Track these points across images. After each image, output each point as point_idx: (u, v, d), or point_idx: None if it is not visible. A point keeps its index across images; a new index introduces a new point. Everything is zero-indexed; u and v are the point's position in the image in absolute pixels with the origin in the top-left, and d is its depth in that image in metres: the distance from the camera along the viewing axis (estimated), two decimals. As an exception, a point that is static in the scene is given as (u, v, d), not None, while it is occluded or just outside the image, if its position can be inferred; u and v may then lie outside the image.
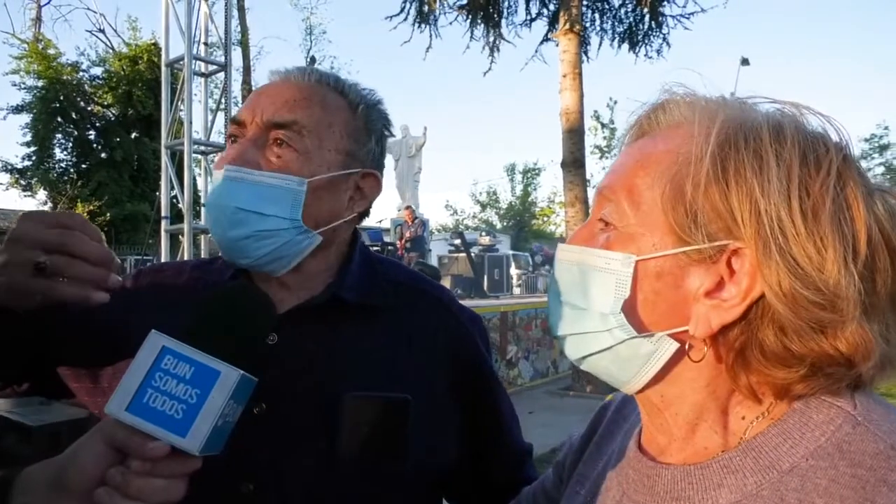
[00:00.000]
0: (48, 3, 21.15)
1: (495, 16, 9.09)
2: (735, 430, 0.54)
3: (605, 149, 29.13)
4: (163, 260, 7.18)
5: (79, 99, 19.14)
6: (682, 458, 0.56)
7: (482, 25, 9.12)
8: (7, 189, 19.12)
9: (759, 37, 58.99)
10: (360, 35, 59.64)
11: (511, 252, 17.38)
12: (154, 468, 0.53)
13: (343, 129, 0.85)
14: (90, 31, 20.97)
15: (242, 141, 0.82)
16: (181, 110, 6.93)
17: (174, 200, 7.38)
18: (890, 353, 0.50)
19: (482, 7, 8.89)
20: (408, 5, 8.86)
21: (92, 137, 19.55)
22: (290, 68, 0.88)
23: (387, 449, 0.81)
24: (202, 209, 7.50)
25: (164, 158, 7.15)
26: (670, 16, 9.06)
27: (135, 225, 18.38)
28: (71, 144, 19.36)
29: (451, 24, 9.13)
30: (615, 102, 28.68)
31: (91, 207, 17.12)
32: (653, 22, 9.14)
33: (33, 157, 18.75)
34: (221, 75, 7.39)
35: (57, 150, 19.35)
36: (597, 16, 9.26)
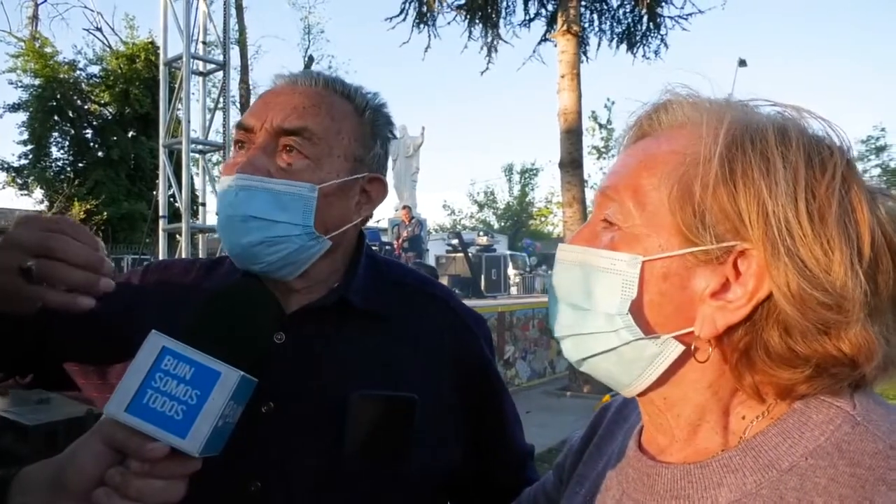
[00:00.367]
0: (45, 1, 21.11)
1: (493, 16, 9.09)
2: (735, 430, 0.54)
3: (603, 149, 29.20)
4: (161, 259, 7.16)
5: (75, 97, 19.11)
6: (682, 458, 0.56)
7: (480, 25, 9.12)
8: (3, 188, 19.07)
9: (756, 38, 59.21)
10: (357, 34, 59.63)
11: (508, 252, 17.38)
12: (153, 469, 0.53)
13: (351, 134, 0.85)
14: (87, 30, 20.99)
15: (252, 148, 0.82)
16: (179, 109, 6.92)
17: (171, 199, 7.36)
18: (891, 354, 0.50)
19: (480, 7, 8.89)
20: (407, 6, 8.86)
21: (89, 136, 19.52)
22: (296, 73, 0.88)
23: (392, 448, 0.82)
24: (200, 208, 7.51)
25: (162, 157, 7.14)
26: (668, 17, 9.08)
27: (132, 224, 18.33)
28: (68, 143, 19.32)
29: (449, 24, 9.14)
30: (613, 103, 28.78)
31: (88, 206, 17.07)
32: (651, 23, 9.16)
33: (30, 156, 18.72)
34: (219, 74, 7.38)
35: (53, 149, 19.33)
36: (595, 16, 9.27)
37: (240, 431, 0.58)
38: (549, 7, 9.04)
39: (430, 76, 67.62)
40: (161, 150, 7.15)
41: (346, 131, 0.85)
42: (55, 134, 19.09)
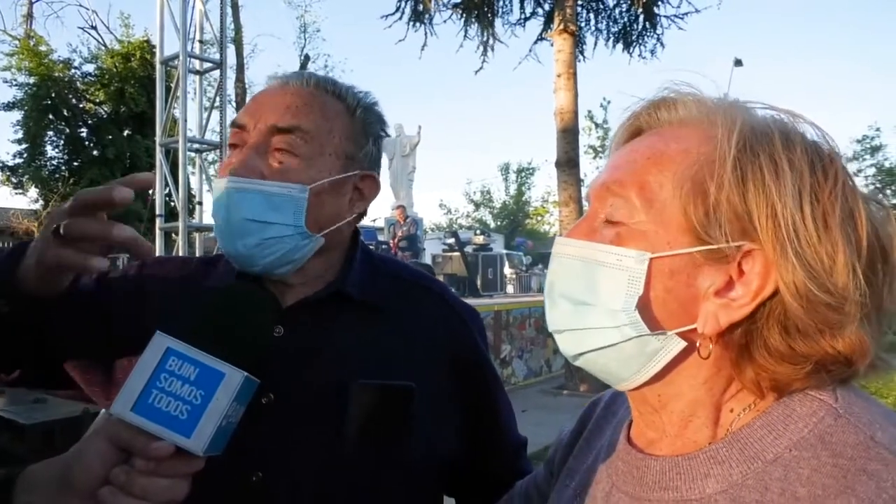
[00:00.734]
0: (40, -1, 21.00)
1: (489, 15, 9.10)
2: (723, 423, 0.55)
3: (599, 148, 29.19)
4: (158, 258, 7.14)
5: (71, 96, 19.01)
6: (671, 450, 0.57)
7: (476, 24, 9.13)
8: (-2, 186, 18.98)
9: (753, 37, 59.32)
10: (354, 33, 59.57)
11: (505, 251, 17.38)
12: (158, 468, 0.54)
13: (342, 133, 0.87)
14: (82, 28, 20.87)
15: (244, 148, 0.83)
16: (175, 108, 6.91)
17: (167, 198, 7.35)
18: (877, 351, 0.52)
19: (476, 6, 8.90)
20: (403, 4, 8.86)
21: (84, 135, 19.41)
22: (288, 74, 0.90)
23: (391, 435, 0.84)
24: (196, 207, 7.49)
25: (159, 156, 7.12)
26: (664, 16, 9.12)
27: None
28: (63, 142, 19.22)
29: (445, 22, 9.14)
30: (609, 102, 28.78)
31: (83, 205, 16.97)
32: (647, 22, 9.19)
33: (25, 155, 18.61)
34: (216, 73, 7.36)
35: (49, 148, 19.21)
36: (591, 15, 9.30)
37: (240, 423, 0.59)
38: (546, 6, 9.06)
39: (426, 75, 67.64)
40: (157, 148, 7.13)
41: (337, 130, 0.86)
42: (50, 133, 18.99)
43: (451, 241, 13.52)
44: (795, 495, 0.47)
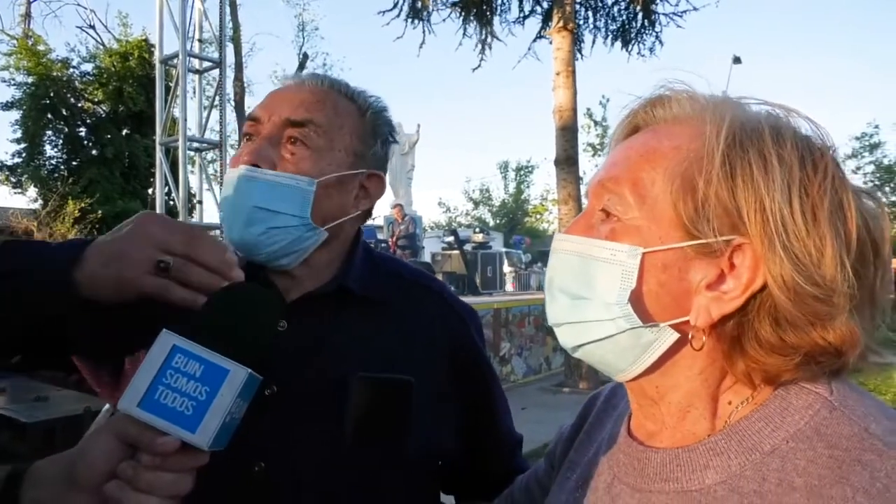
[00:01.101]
0: (37, -2, 20.97)
1: (488, 13, 9.09)
2: (721, 415, 0.56)
3: (598, 146, 29.18)
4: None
5: (69, 95, 18.98)
6: (671, 442, 0.58)
7: (475, 22, 9.13)
8: (-3, 186, 18.97)
9: (752, 35, 59.29)
10: (352, 32, 59.46)
11: (504, 249, 17.39)
12: (164, 462, 0.55)
13: (352, 131, 0.90)
14: (80, 28, 20.85)
15: (258, 139, 0.87)
16: (175, 107, 6.91)
17: (167, 197, 7.35)
18: (869, 343, 0.53)
19: (475, 4, 8.90)
20: (401, 0, 8.85)
21: (83, 134, 19.39)
22: (304, 74, 0.94)
23: (391, 427, 0.86)
24: (197, 206, 7.49)
25: (159, 155, 7.13)
26: (663, 14, 9.11)
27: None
28: (61, 141, 19.20)
29: (444, 21, 9.14)
30: (608, 100, 28.78)
31: (82, 205, 16.98)
32: (645, 20, 9.19)
33: (23, 154, 18.59)
34: (215, 72, 7.36)
35: (47, 147, 19.19)
36: (590, 13, 9.30)
37: (243, 417, 0.60)
38: (544, 4, 9.06)
39: (425, 74, 67.55)
40: (158, 148, 7.14)
41: (347, 127, 0.90)
42: (49, 132, 18.96)
43: (451, 239, 13.53)
44: (792, 485, 0.49)
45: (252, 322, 0.62)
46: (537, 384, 7.71)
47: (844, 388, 0.53)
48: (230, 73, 19.21)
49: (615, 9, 9.24)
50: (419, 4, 8.84)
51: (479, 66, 9.36)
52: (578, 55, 8.81)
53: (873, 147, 28.14)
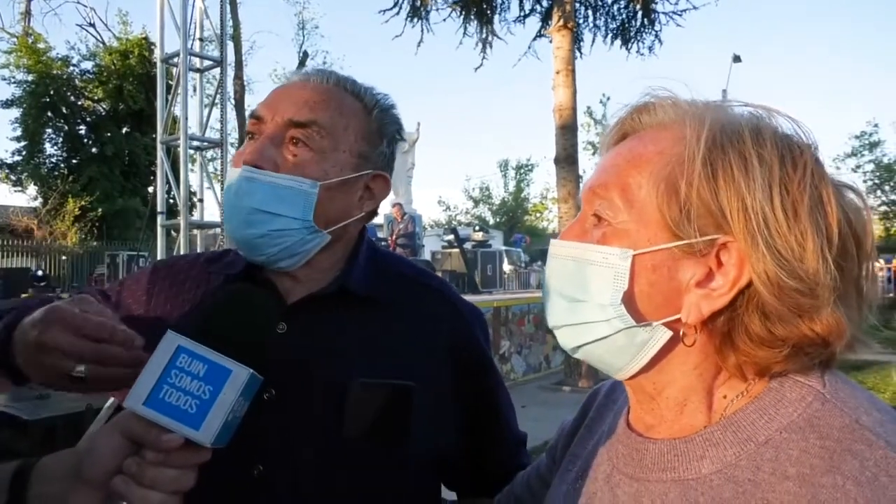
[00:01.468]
0: (37, -4, 20.96)
1: (488, 12, 9.10)
2: (717, 409, 0.58)
3: (598, 145, 29.09)
4: (159, 256, 7.17)
5: (69, 93, 19.00)
6: (668, 434, 0.60)
7: (475, 21, 9.13)
8: (-3, 184, 18.98)
9: (751, 34, 59.25)
10: (353, 30, 59.42)
11: (504, 248, 17.40)
12: (168, 459, 0.56)
13: (358, 131, 0.88)
14: (80, 26, 20.87)
15: (261, 138, 0.85)
16: (176, 105, 6.92)
17: (168, 196, 7.36)
18: (856, 333, 0.55)
19: (475, 3, 8.90)
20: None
21: (83, 132, 19.41)
22: (309, 71, 0.92)
23: (391, 433, 0.85)
24: (198, 204, 7.50)
25: (160, 154, 7.14)
26: (662, 12, 9.12)
27: (126, 220, 18.28)
28: (61, 139, 19.23)
29: (444, 20, 9.14)
30: (608, 99, 28.81)
31: (82, 203, 17.00)
32: (645, 18, 9.19)
33: (23, 152, 18.62)
34: (215, 70, 7.38)
35: (47, 145, 19.23)
36: (590, 12, 9.30)
37: (244, 418, 0.61)
38: (544, 3, 9.06)
39: (425, 72, 67.42)
40: (159, 147, 7.15)
41: (353, 128, 0.87)
42: (49, 130, 18.99)
43: (451, 237, 13.55)
44: (785, 474, 0.50)
45: (251, 322, 0.62)
46: (537, 382, 7.72)
47: (837, 382, 0.55)
48: (230, 72, 19.20)
49: (615, 7, 9.25)
50: (419, 3, 8.84)
51: (482, 65, 9.37)
52: (578, 54, 8.82)
53: (873, 145, 28.15)
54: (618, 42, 9.41)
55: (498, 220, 36.62)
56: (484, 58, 9.29)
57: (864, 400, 0.54)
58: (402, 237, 11.60)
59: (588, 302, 0.58)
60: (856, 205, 0.55)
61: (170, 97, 7.13)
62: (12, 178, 18.78)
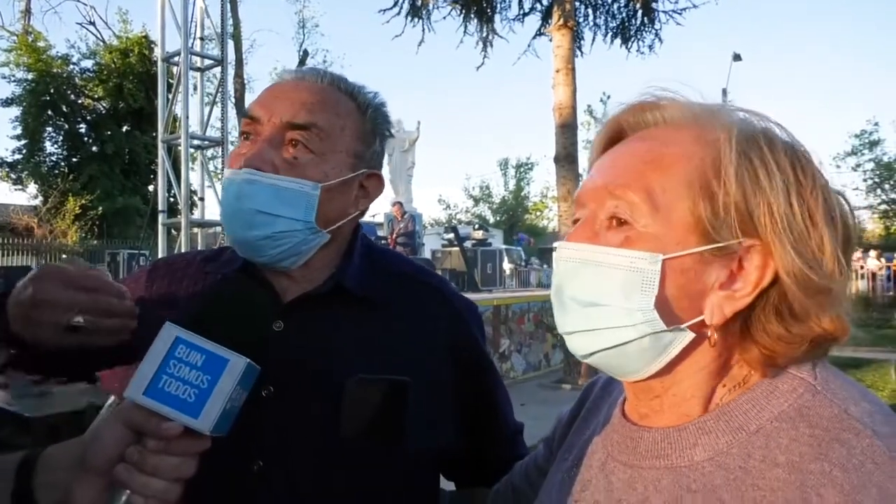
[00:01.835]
0: (38, -5, 20.95)
1: (488, 10, 9.11)
2: (713, 400, 0.60)
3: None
4: (160, 254, 7.19)
5: (69, 92, 18.99)
6: (663, 423, 0.62)
7: (475, 20, 9.14)
8: (-2, 183, 18.99)
9: (751, 32, 59.17)
10: (352, 29, 59.35)
11: (504, 246, 17.42)
12: (168, 447, 0.58)
13: (353, 132, 0.89)
14: (80, 24, 20.85)
15: (258, 140, 0.84)
16: (177, 104, 6.93)
17: (167, 194, 7.38)
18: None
19: (475, 1, 8.91)
20: (401, -1, 8.86)
21: (83, 131, 19.42)
22: (303, 69, 0.92)
23: (387, 429, 0.85)
24: (199, 203, 7.51)
25: (161, 153, 7.15)
26: (662, 11, 9.14)
27: (126, 219, 18.29)
28: (62, 138, 19.23)
29: (444, 18, 9.15)
30: (608, 97, 28.78)
31: (82, 201, 17.00)
32: (645, 17, 9.21)
33: (24, 151, 18.63)
34: (215, 69, 7.39)
35: (48, 144, 19.24)
36: (590, 11, 9.32)
37: (242, 415, 0.62)
38: (544, 1, 9.07)
39: (425, 71, 67.47)
40: (160, 146, 7.16)
41: (349, 128, 0.88)
42: (49, 129, 19.00)
43: (451, 236, 13.56)
44: (775, 462, 0.52)
45: (248, 320, 0.64)
46: (537, 381, 7.73)
47: (828, 374, 0.57)
48: (230, 70, 19.19)
49: (615, 6, 9.26)
50: (419, 3, 8.84)
51: (483, 63, 9.38)
52: (578, 52, 8.83)
53: (873, 144, 28.14)
54: (618, 41, 9.44)
55: (498, 218, 36.61)
56: (485, 56, 9.31)
57: (853, 392, 0.55)
58: (402, 236, 11.61)
59: (610, 306, 0.57)
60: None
61: (171, 96, 7.14)
62: (12, 176, 18.80)
